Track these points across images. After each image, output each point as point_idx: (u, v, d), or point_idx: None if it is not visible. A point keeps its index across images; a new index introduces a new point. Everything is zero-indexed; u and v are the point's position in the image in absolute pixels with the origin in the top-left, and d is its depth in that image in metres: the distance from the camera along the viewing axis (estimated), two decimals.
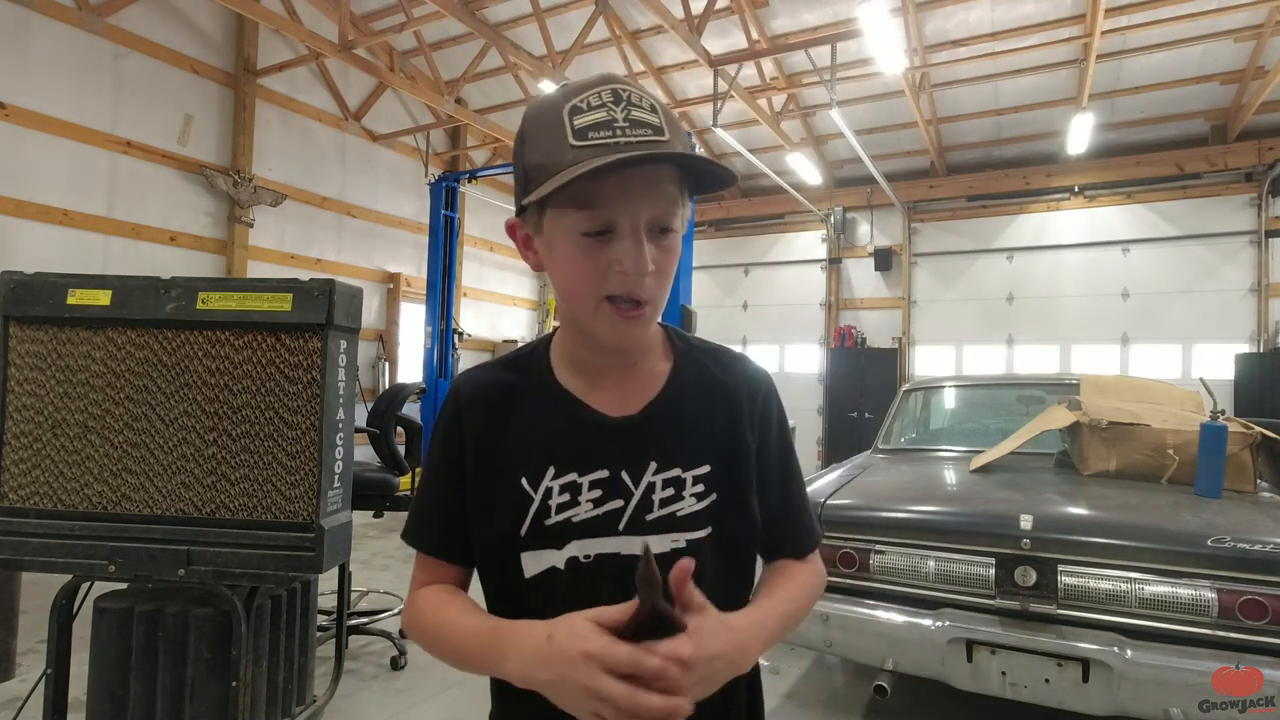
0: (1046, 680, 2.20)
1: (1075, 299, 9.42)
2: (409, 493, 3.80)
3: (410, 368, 9.09)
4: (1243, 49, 7.49)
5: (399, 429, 3.83)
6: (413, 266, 9.30)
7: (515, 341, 10.70)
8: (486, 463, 0.82)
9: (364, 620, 3.58)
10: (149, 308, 1.85)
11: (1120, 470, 2.91)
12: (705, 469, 0.81)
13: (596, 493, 0.79)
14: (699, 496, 0.80)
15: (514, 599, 0.80)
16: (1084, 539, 2.29)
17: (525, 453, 0.81)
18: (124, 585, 1.99)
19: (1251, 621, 2.06)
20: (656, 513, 0.79)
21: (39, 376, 1.87)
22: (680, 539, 0.79)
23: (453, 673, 3.10)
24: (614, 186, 0.70)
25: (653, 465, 0.80)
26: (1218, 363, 8.48)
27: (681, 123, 0.76)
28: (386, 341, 8.98)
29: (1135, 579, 2.20)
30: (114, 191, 6.34)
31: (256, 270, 7.43)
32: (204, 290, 1.85)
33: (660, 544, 0.78)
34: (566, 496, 0.79)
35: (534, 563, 0.79)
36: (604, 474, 0.79)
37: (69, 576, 1.90)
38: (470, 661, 0.76)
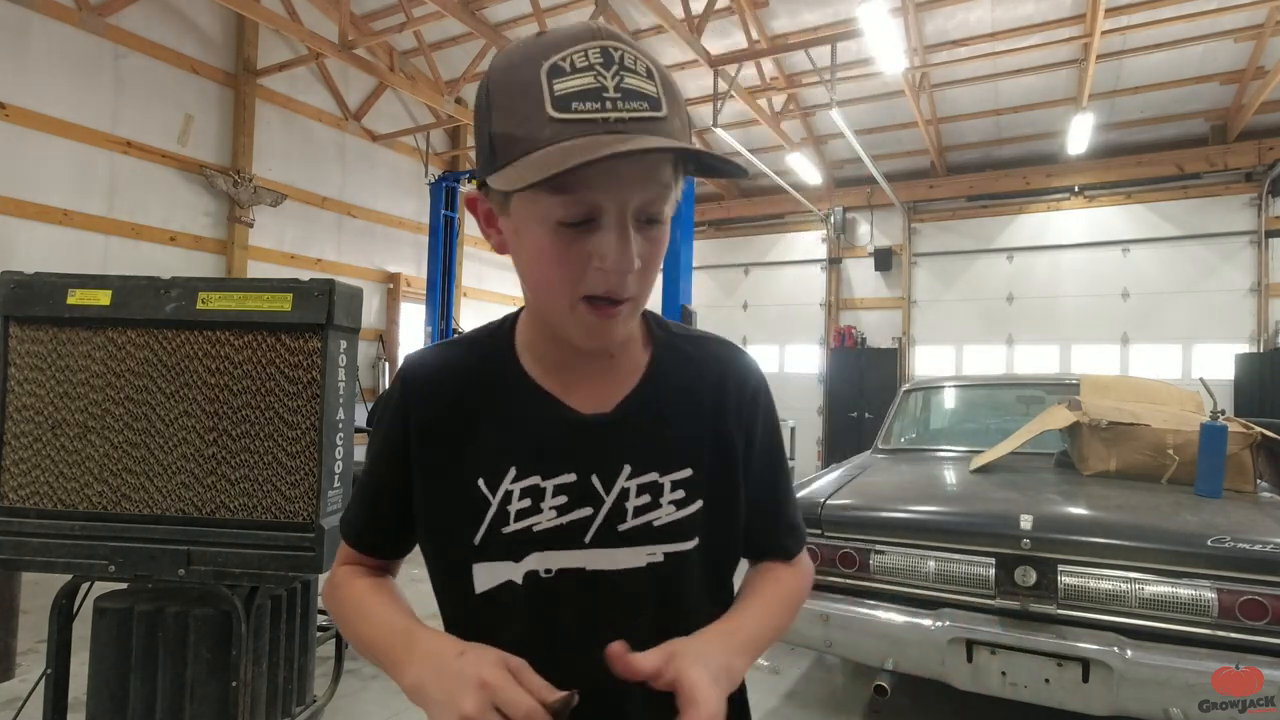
0: (1046, 680, 2.20)
1: (1075, 299, 9.42)
2: None
3: None
4: (1243, 49, 7.49)
5: None
6: (413, 266, 9.30)
7: None
8: (436, 459, 0.73)
9: None
10: (149, 308, 1.85)
11: (1120, 470, 2.91)
12: (686, 473, 0.72)
13: (561, 499, 0.70)
14: (679, 504, 0.72)
15: (466, 615, 0.73)
16: (1084, 539, 2.29)
17: (482, 451, 0.72)
18: (124, 585, 1.98)
19: (1251, 621, 2.06)
20: (630, 522, 0.71)
21: (39, 376, 1.87)
22: (658, 551, 0.71)
23: None
24: (600, 170, 0.58)
25: (626, 469, 0.71)
26: (1218, 363, 8.48)
27: (677, 87, 0.64)
28: (386, 341, 8.98)
29: (1135, 579, 2.20)
30: (114, 191, 6.34)
31: (256, 270, 7.43)
32: (204, 290, 1.85)
33: (635, 557, 0.71)
34: (528, 502, 0.70)
35: (487, 575, 0.71)
36: (571, 478, 0.70)
37: (69, 576, 1.90)
38: (375, 657, 0.70)
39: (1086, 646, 2.16)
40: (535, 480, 0.70)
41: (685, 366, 0.77)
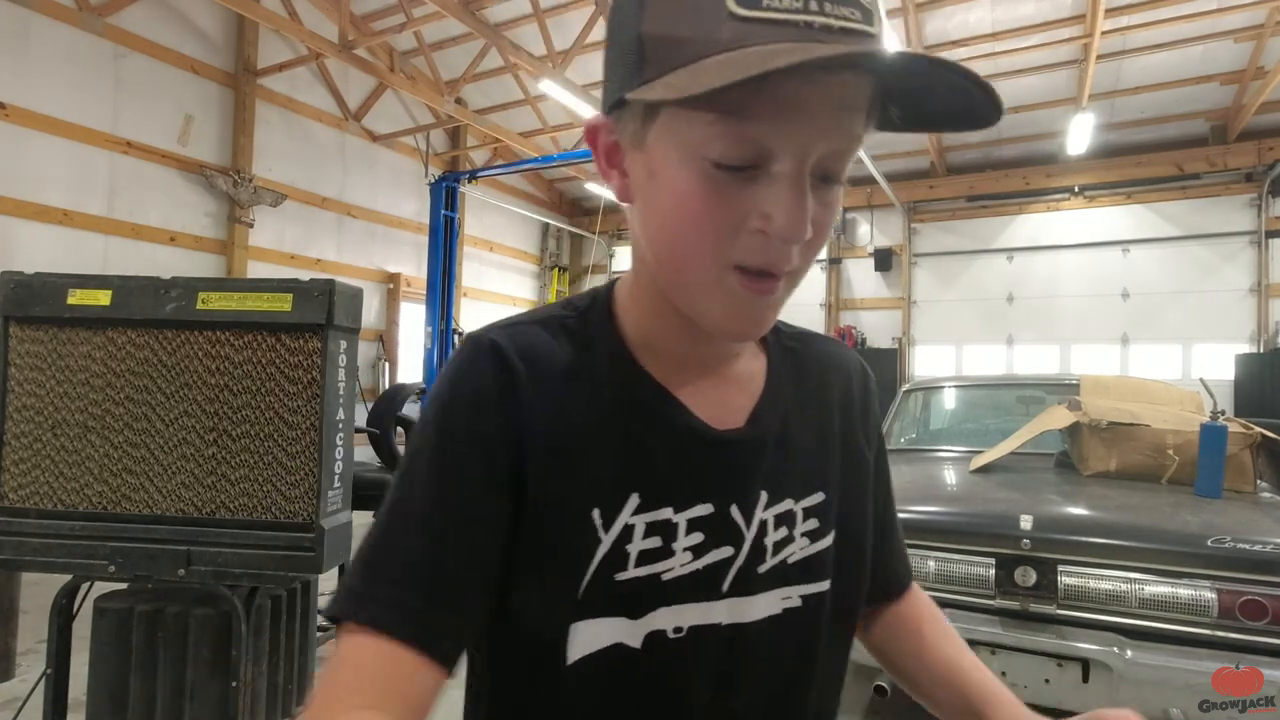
0: (1046, 680, 2.20)
1: (1075, 299, 9.43)
2: None
3: (410, 368, 9.09)
4: (1243, 49, 7.49)
5: (399, 429, 3.83)
6: (413, 266, 9.30)
7: None
8: (547, 481, 0.52)
9: None
10: (149, 308, 1.85)
11: (1120, 470, 2.91)
12: (818, 498, 0.60)
13: (696, 537, 0.54)
14: (812, 536, 0.59)
15: (546, 694, 0.53)
16: (1084, 539, 2.29)
17: (594, 471, 0.53)
18: (124, 585, 1.98)
19: (1251, 621, 2.05)
20: (769, 562, 0.56)
21: (39, 376, 1.87)
22: (793, 595, 0.57)
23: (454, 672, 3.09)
24: (786, 98, 0.43)
25: (763, 497, 0.57)
26: (1218, 363, 8.49)
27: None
28: (386, 341, 8.98)
29: (1135, 579, 2.20)
30: (114, 191, 6.34)
31: (256, 270, 7.44)
32: (204, 290, 1.85)
33: (771, 604, 0.57)
34: (656, 541, 0.53)
35: (589, 637, 0.52)
36: (707, 510, 0.54)
37: (69, 576, 1.90)
38: None
39: (1086, 647, 2.16)
40: (666, 513, 0.53)
41: (803, 370, 0.64)
